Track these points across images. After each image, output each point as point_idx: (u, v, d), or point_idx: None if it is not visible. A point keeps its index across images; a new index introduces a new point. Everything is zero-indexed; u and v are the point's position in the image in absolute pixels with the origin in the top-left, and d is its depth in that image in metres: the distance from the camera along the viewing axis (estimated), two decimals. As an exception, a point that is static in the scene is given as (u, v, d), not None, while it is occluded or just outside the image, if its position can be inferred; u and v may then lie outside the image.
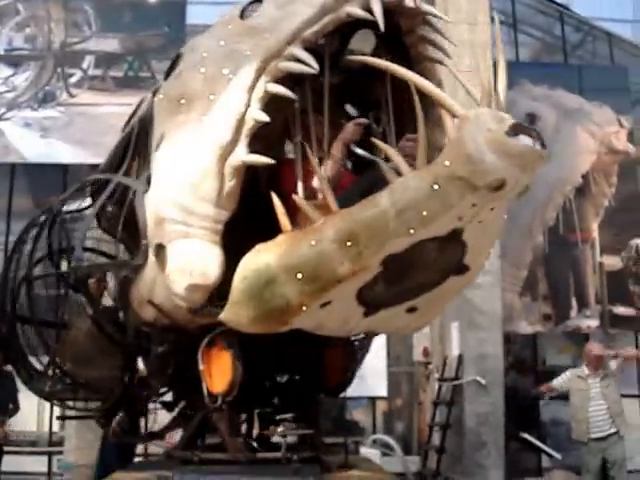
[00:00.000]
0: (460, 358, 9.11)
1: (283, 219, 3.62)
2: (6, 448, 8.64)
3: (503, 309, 9.46)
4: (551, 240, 11.38)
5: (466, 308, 9.03)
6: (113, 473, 4.61)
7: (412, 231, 3.33)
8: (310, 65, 3.68)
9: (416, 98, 3.30)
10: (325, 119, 4.16)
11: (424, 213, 3.26)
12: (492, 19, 9.83)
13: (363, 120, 4.29)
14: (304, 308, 3.62)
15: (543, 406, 11.13)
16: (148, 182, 4.16)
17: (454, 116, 3.25)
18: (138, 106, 5.02)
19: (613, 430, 7.67)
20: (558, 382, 8.18)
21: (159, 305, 4.25)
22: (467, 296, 8.64)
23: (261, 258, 3.61)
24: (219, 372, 4.32)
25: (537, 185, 6.58)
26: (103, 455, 7.88)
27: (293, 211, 3.75)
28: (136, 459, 7.67)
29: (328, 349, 5.04)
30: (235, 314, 3.77)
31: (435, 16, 4.00)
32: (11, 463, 11.80)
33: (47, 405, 11.59)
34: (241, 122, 3.72)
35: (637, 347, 11.08)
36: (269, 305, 3.64)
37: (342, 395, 5.65)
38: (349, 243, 3.38)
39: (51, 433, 12.29)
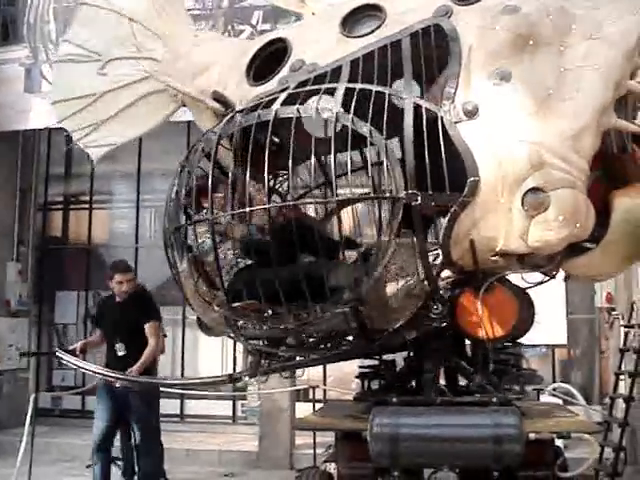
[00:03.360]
0: (649, 303, 8.66)
1: None
2: (191, 392, 8.62)
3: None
4: None
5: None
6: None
7: None
8: None
9: None
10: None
11: None
12: None
13: None
14: None
15: None
16: (467, 114, 4.09)
17: None
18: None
19: None
20: None
21: (476, 245, 4.16)
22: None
23: (635, 202, 4.11)
24: (499, 317, 4.34)
25: None
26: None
27: None
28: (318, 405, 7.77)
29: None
30: (603, 255, 4.15)
31: None
32: (197, 407, 12.53)
33: (230, 350, 12.07)
34: (617, 88, 3.97)
35: None
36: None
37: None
38: None
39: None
